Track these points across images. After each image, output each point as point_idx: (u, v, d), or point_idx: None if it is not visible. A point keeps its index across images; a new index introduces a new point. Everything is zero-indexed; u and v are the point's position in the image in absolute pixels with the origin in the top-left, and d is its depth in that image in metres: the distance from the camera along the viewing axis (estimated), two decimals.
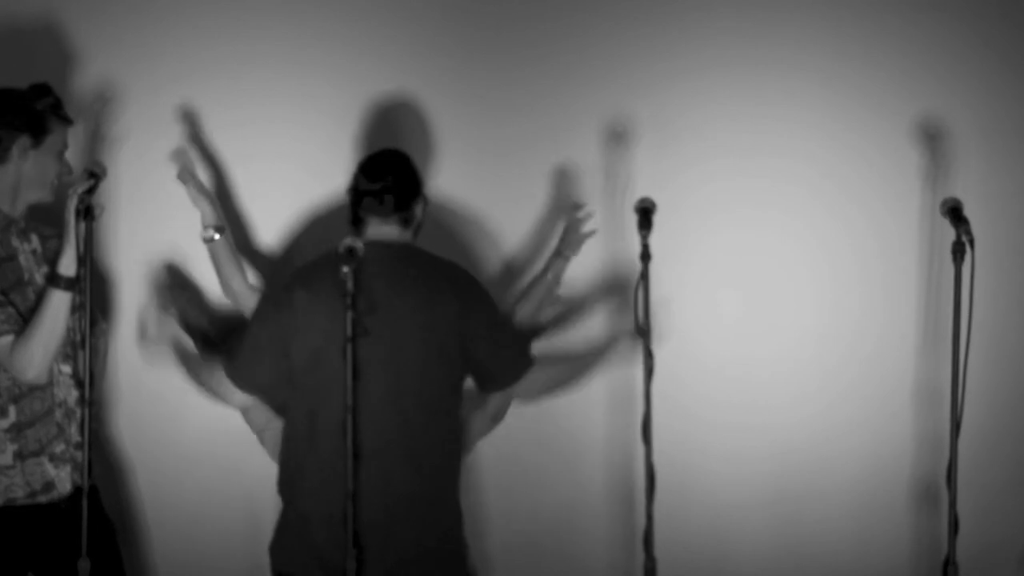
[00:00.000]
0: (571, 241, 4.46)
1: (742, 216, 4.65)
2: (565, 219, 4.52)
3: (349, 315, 3.85)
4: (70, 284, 3.95)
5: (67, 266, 3.95)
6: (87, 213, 3.75)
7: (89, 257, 3.74)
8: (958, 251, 4.06)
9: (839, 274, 4.67)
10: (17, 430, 4.03)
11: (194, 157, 4.48)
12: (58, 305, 3.94)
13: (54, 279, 3.95)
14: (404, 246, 4.14)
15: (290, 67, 4.59)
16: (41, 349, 3.94)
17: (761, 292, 4.67)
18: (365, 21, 4.61)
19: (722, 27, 4.63)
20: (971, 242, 4.04)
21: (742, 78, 4.63)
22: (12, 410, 4.03)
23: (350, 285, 3.83)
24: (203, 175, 4.46)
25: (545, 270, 4.45)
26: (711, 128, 4.64)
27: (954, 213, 4.11)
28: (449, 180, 4.63)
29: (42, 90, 4.06)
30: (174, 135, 4.55)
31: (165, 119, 4.56)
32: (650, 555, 4.03)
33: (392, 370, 4.01)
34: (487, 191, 4.63)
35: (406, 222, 4.15)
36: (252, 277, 4.45)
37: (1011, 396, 4.66)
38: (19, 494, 4.03)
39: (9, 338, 3.95)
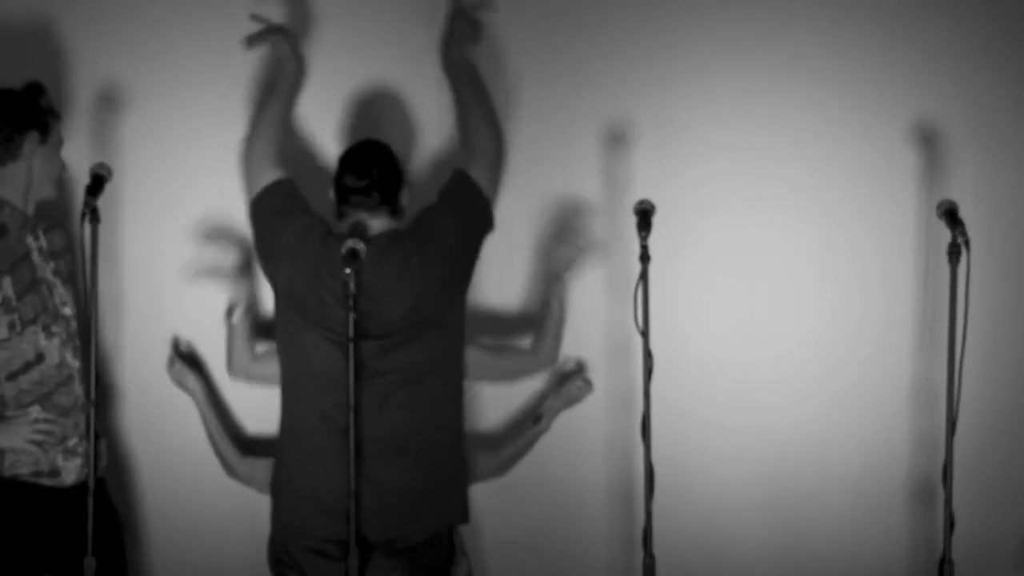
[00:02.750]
0: (562, 260, 4.48)
1: (741, 217, 4.66)
2: (555, 241, 4.54)
3: (351, 316, 3.88)
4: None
5: None
6: (92, 215, 3.77)
7: (95, 259, 3.75)
8: (954, 252, 4.06)
9: (837, 275, 4.68)
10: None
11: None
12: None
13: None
14: (391, 234, 4.19)
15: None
16: None
17: (759, 293, 4.68)
18: (362, 22, 4.62)
19: (720, 29, 4.64)
20: (967, 244, 4.05)
21: (741, 80, 4.63)
22: (35, 410, 4.10)
23: (352, 287, 3.85)
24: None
25: (547, 300, 4.46)
26: (710, 129, 4.65)
27: (950, 215, 4.11)
28: (438, 176, 4.64)
29: (39, 88, 4.12)
30: (174, 135, 4.59)
31: (164, 120, 4.59)
32: (649, 553, 4.04)
33: (391, 358, 4.09)
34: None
35: (394, 212, 4.19)
36: (260, 347, 4.50)
37: (1007, 395, 4.67)
38: (23, 471, 4.07)
39: None
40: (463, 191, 4.27)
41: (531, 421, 4.57)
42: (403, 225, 4.23)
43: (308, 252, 4.12)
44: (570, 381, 4.56)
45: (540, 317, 4.45)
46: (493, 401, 4.64)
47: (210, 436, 4.49)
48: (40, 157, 4.09)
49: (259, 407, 4.52)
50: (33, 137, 4.07)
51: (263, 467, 4.40)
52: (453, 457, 4.22)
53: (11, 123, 4.05)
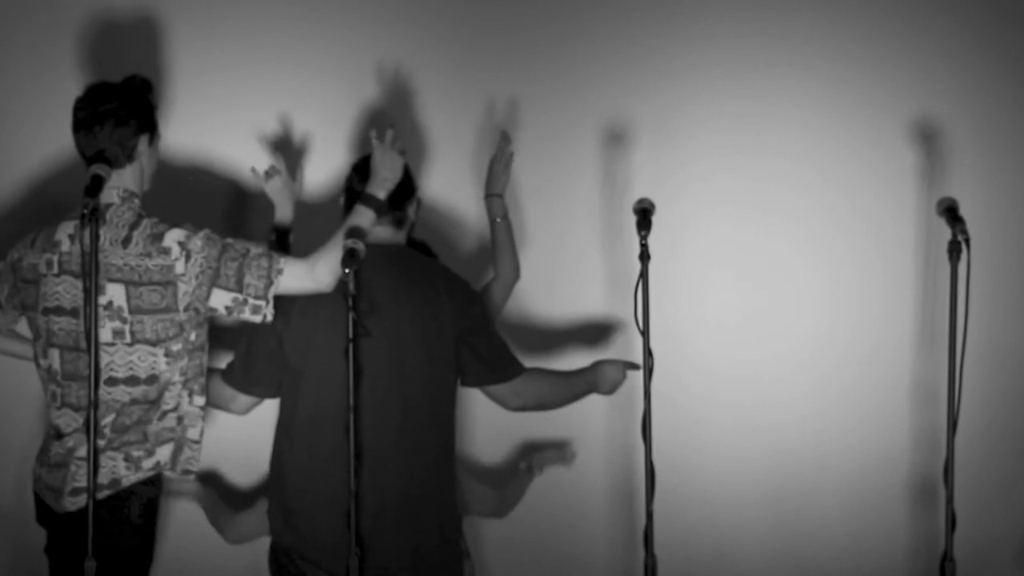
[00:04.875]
0: (497, 175, 4.44)
1: (740, 216, 4.66)
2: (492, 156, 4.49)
3: (351, 316, 3.86)
4: (380, 207, 4.00)
5: (378, 189, 4.01)
6: (92, 215, 3.75)
7: (95, 258, 3.74)
8: (954, 250, 4.06)
9: (837, 273, 4.68)
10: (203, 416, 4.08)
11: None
12: (365, 221, 3.98)
13: (366, 199, 3.99)
14: (398, 247, 4.15)
15: (283, 67, 4.61)
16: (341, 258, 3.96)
17: (760, 291, 4.69)
18: (362, 22, 4.63)
19: (719, 28, 4.64)
20: (967, 241, 4.05)
21: (740, 78, 4.64)
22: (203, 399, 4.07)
23: (352, 287, 3.84)
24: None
25: (492, 226, 4.44)
26: (709, 128, 4.65)
27: (950, 212, 4.10)
28: (445, 182, 4.64)
29: (149, 85, 4.04)
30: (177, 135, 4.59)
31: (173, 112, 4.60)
32: (650, 553, 4.04)
33: (391, 370, 4.02)
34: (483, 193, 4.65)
35: (399, 223, 4.16)
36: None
37: (1007, 393, 4.67)
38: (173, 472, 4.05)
39: (288, 261, 3.95)
40: (500, 340, 4.22)
41: (525, 469, 4.60)
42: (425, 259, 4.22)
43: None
44: (552, 447, 4.62)
45: (493, 252, 4.46)
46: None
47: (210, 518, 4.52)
48: (146, 156, 4.02)
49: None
50: (145, 139, 4.01)
51: (255, 519, 4.40)
52: (449, 523, 4.20)
53: (130, 123, 3.96)
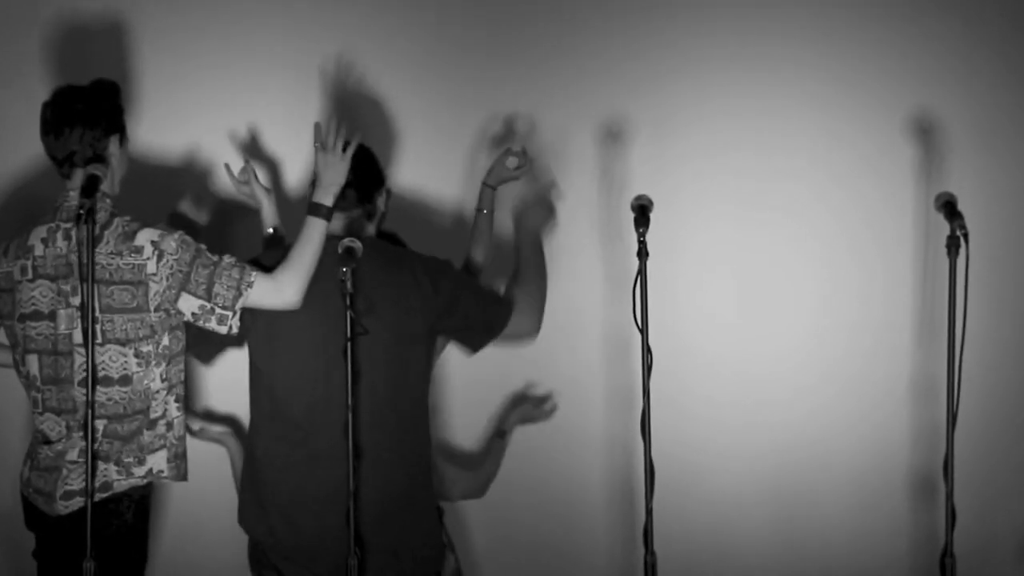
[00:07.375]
0: (500, 171, 4.43)
1: (738, 212, 4.65)
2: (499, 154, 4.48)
3: (348, 315, 3.85)
4: (328, 213, 3.99)
5: (324, 196, 3.99)
6: (88, 215, 3.74)
7: (91, 258, 3.73)
8: (953, 245, 4.06)
9: (835, 269, 4.67)
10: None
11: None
12: (317, 232, 3.98)
13: (314, 208, 3.98)
14: (370, 239, 4.13)
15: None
16: (304, 273, 3.94)
17: (758, 288, 4.68)
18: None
19: (716, 25, 4.64)
20: (965, 236, 4.04)
21: (737, 75, 4.63)
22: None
23: (350, 285, 3.83)
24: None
25: (477, 215, 4.44)
26: (706, 125, 4.64)
27: (948, 207, 4.10)
28: (442, 180, 4.64)
29: (116, 87, 4.05)
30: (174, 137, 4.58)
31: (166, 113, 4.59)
32: (650, 550, 4.03)
33: (365, 365, 4.00)
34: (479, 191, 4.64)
35: (369, 215, 4.16)
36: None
37: (1007, 388, 4.66)
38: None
39: (258, 276, 3.94)
40: (482, 291, 4.23)
41: (495, 436, 4.57)
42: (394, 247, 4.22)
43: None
44: (528, 401, 4.59)
45: (472, 229, 4.46)
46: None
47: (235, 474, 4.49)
48: (117, 158, 4.03)
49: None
50: (116, 140, 4.02)
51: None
52: (429, 517, 4.20)
53: (100, 125, 3.97)
